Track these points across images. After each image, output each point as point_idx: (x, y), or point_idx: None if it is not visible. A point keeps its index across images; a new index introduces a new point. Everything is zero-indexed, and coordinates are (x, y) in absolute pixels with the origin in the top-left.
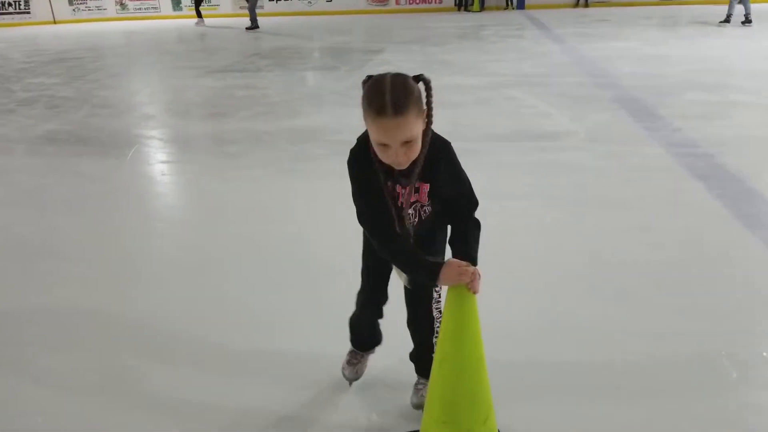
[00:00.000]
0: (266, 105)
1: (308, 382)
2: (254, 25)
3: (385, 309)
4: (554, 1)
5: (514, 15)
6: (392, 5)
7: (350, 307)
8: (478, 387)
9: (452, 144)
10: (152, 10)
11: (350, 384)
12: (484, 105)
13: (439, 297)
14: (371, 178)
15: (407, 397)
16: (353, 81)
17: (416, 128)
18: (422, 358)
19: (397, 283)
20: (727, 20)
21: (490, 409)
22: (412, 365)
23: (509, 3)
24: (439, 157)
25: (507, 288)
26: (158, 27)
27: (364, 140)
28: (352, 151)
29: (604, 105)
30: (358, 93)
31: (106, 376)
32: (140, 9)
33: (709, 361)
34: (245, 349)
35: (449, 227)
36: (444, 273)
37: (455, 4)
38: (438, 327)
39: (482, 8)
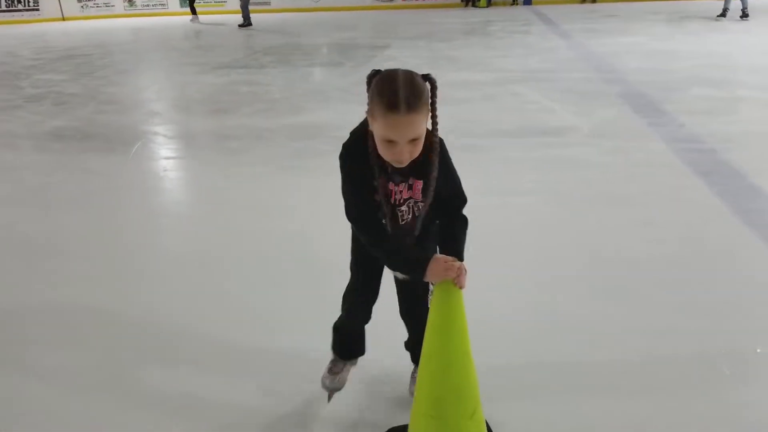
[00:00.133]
0: (269, 101)
1: (308, 379)
2: (247, 23)
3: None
4: None
5: (521, 11)
6: (398, 1)
7: None
8: (464, 382)
9: (457, 140)
10: (160, 7)
11: (329, 397)
12: (489, 101)
13: (431, 289)
14: (365, 173)
15: (398, 391)
16: (358, 77)
17: (424, 126)
18: (419, 348)
19: (385, 281)
20: (723, 14)
21: (477, 404)
22: (403, 358)
23: None
24: (432, 154)
25: (508, 284)
26: (166, 23)
27: (359, 135)
28: (345, 145)
29: (609, 101)
30: (363, 89)
31: (108, 374)
32: (148, 5)
33: (709, 358)
34: (246, 346)
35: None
36: (431, 268)
37: (462, 0)
38: None
39: (489, 4)
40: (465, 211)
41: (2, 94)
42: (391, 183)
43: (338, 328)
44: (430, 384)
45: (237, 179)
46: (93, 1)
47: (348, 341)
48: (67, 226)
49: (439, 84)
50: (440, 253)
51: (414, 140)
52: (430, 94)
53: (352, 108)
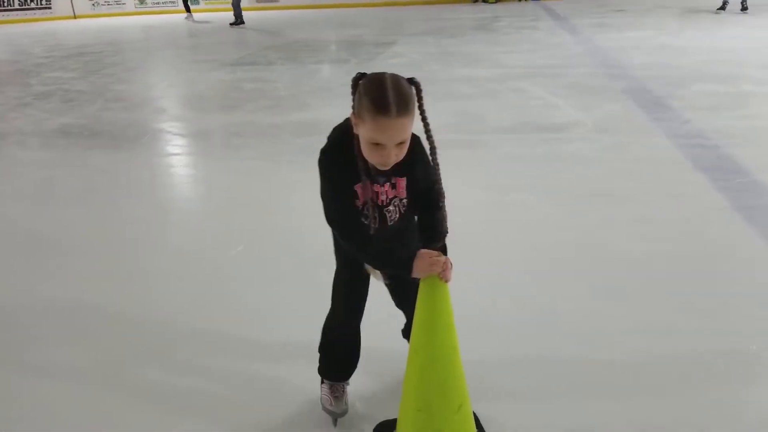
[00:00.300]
0: (274, 98)
1: (305, 377)
2: (238, 21)
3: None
4: None
5: (530, 6)
6: None
7: None
8: (451, 376)
9: (459, 136)
10: (170, 4)
11: (335, 422)
12: (493, 97)
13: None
14: (347, 178)
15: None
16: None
17: (410, 130)
18: None
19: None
20: (722, 8)
21: (464, 398)
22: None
23: None
24: (413, 151)
25: (505, 281)
26: (176, 21)
27: (340, 138)
28: (325, 150)
29: (614, 96)
30: None
31: (110, 371)
32: (158, 3)
33: (708, 358)
34: (247, 345)
35: (417, 217)
36: (416, 265)
37: None
38: None
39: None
40: (465, 207)
41: (13, 92)
42: (376, 185)
43: (331, 350)
44: (417, 378)
45: (241, 175)
46: None
47: (345, 359)
48: (70, 223)
49: (443, 80)
50: (423, 248)
51: (401, 143)
52: (416, 98)
53: None
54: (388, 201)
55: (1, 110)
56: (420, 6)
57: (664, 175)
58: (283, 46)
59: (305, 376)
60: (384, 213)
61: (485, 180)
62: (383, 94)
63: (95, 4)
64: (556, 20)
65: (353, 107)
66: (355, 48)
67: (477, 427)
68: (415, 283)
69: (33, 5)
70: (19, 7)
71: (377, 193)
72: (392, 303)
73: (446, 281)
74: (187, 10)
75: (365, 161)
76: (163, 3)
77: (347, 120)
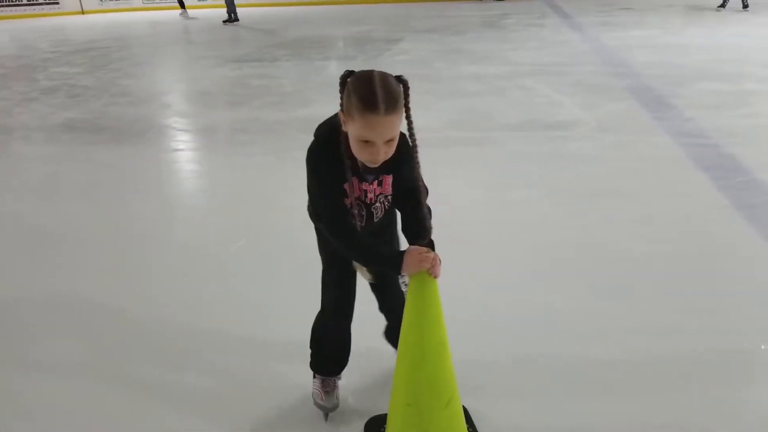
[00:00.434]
0: (280, 94)
1: (301, 374)
2: (232, 18)
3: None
4: None
5: (538, 4)
6: None
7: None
8: (440, 371)
9: (463, 133)
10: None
11: (327, 416)
12: (498, 94)
13: (404, 277)
14: (337, 175)
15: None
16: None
17: (399, 127)
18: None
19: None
20: (722, 5)
21: (453, 393)
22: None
23: None
24: (400, 150)
25: (506, 280)
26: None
27: (328, 135)
28: (313, 149)
29: (618, 95)
30: None
31: (111, 366)
32: None
33: (709, 356)
34: (247, 340)
35: (400, 214)
36: (406, 261)
37: None
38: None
39: None
40: (467, 205)
41: (19, 87)
42: (364, 183)
43: (322, 346)
44: (406, 373)
45: (246, 171)
46: None
47: (336, 356)
48: (74, 217)
49: (450, 77)
50: (411, 244)
51: (390, 140)
52: (403, 96)
53: None
54: (374, 199)
55: (7, 105)
56: (428, 2)
57: (665, 174)
58: (290, 42)
59: (303, 372)
60: (371, 211)
61: (488, 178)
62: (372, 92)
63: (103, 0)
64: (562, 18)
65: (341, 105)
66: (362, 45)
67: (468, 423)
68: (396, 286)
69: (41, 0)
70: (27, 2)
71: (365, 191)
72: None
73: (435, 277)
74: (182, 6)
75: (353, 159)
76: None
77: (334, 116)
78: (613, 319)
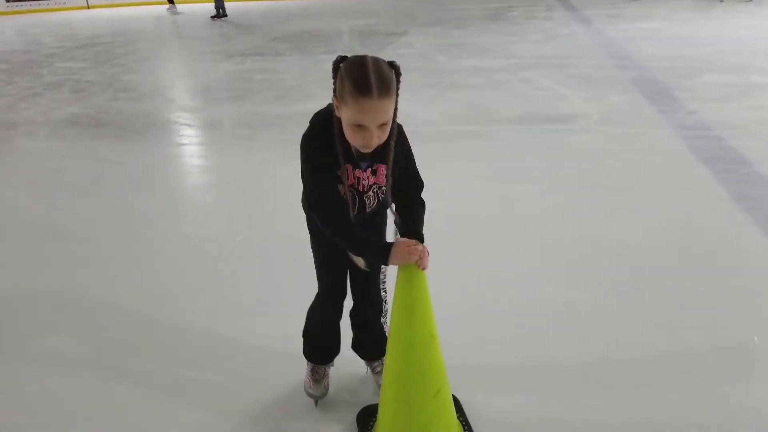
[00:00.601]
0: (282, 89)
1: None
2: (220, 14)
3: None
4: None
5: None
6: None
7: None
8: (427, 362)
9: (464, 127)
10: None
11: (316, 403)
12: (500, 87)
13: (384, 278)
14: (331, 161)
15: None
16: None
17: (392, 112)
18: (377, 340)
19: None
20: None
21: (442, 384)
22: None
23: None
24: (393, 138)
25: (504, 273)
26: (190, 10)
27: (322, 122)
28: (308, 135)
29: (621, 87)
30: None
31: (110, 360)
32: None
33: (709, 352)
34: (246, 334)
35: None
36: (394, 253)
37: None
38: (386, 307)
39: None
40: (468, 199)
41: (24, 83)
42: (358, 170)
43: (312, 334)
44: (395, 364)
45: (248, 165)
46: None
47: (325, 342)
48: (77, 212)
49: (451, 70)
50: (401, 236)
51: (383, 125)
52: (396, 82)
53: None
54: (368, 187)
55: (12, 100)
56: None
57: (666, 167)
58: (292, 36)
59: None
60: (363, 199)
61: (489, 171)
62: (365, 76)
63: None
64: (569, 11)
65: (335, 90)
66: (366, 38)
67: (459, 414)
68: (377, 287)
69: None
70: None
71: (358, 178)
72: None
73: (423, 269)
74: (170, 1)
75: (347, 146)
76: None
77: (329, 105)
78: (613, 313)
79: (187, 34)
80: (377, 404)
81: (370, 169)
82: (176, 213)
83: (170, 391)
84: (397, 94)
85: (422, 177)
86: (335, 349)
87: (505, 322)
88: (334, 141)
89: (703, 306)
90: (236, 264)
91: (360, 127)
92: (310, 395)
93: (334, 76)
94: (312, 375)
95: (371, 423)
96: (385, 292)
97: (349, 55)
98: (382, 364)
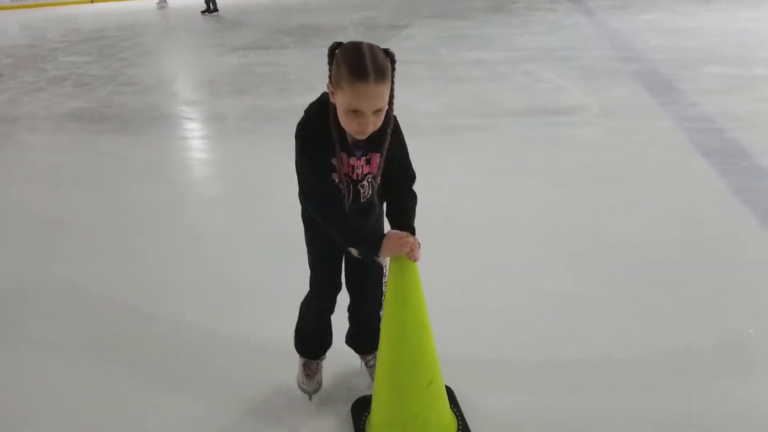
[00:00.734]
0: (284, 82)
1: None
2: (210, 9)
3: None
4: None
5: None
6: None
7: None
8: (419, 353)
9: (465, 119)
10: None
11: (310, 397)
12: (502, 80)
13: (385, 272)
14: (325, 150)
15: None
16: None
17: (387, 98)
18: (372, 333)
19: None
20: None
21: (435, 374)
22: None
23: None
24: (387, 128)
25: (503, 266)
26: (196, 4)
27: (318, 111)
28: (303, 123)
29: (623, 79)
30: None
31: (108, 351)
32: None
33: (708, 347)
34: (244, 329)
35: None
36: (385, 245)
37: None
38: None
39: None
40: (466, 191)
41: (28, 77)
42: (353, 158)
43: (304, 330)
44: (388, 355)
45: (250, 159)
46: None
47: (317, 337)
48: (78, 206)
49: (453, 62)
50: (393, 228)
51: (378, 111)
52: (391, 68)
53: None
54: (362, 176)
55: (15, 95)
56: None
57: (666, 160)
58: (296, 29)
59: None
60: (358, 189)
61: (489, 164)
62: (361, 61)
63: None
64: (572, 2)
65: (330, 77)
66: (369, 31)
67: (452, 404)
68: (377, 279)
69: None
70: None
71: (353, 166)
72: None
73: (415, 261)
74: None
75: (342, 133)
76: None
77: (323, 95)
78: (611, 306)
79: (191, 28)
80: (371, 395)
81: (364, 158)
82: (178, 206)
83: (170, 384)
84: (393, 81)
85: (423, 170)
86: (327, 343)
87: (504, 316)
88: (330, 128)
89: (702, 300)
90: (236, 258)
91: (355, 112)
92: (303, 390)
93: (330, 63)
94: (304, 370)
95: (365, 414)
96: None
97: None
98: (375, 358)
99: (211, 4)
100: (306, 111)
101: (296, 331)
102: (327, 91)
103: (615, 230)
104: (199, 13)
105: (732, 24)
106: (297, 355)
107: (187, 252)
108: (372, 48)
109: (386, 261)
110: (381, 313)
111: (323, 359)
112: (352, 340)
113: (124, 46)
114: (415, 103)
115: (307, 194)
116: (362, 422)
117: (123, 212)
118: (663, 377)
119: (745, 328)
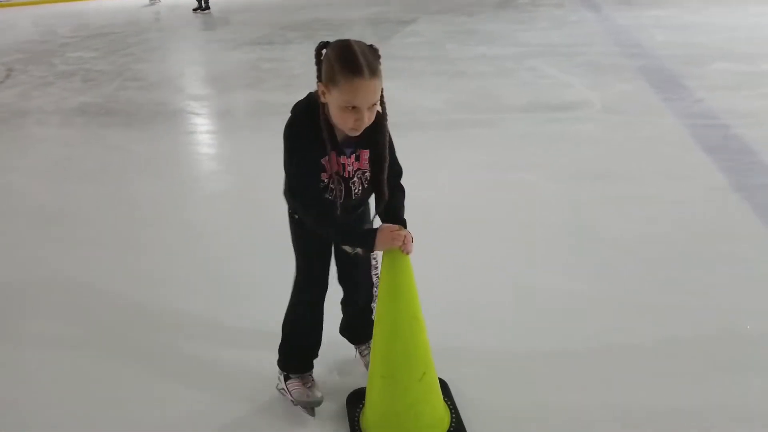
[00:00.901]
0: (289, 77)
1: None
2: (202, 6)
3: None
4: None
5: None
6: None
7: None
8: (412, 345)
9: (468, 115)
10: None
11: (313, 412)
12: (506, 75)
13: (377, 264)
14: (316, 148)
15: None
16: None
17: (380, 92)
18: (365, 323)
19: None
20: None
21: (427, 367)
22: None
23: None
24: (376, 123)
25: (504, 260)
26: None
27: (306, 110)
28: (292, 123)
29: (628, 75)
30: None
31: (108, 345)
32: None
33: (707, 342)
34: (244, 327)
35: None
36: (378, 239)
37: None
38: (377, 292)
39: None
40: (467, 187)
41: (37, 72)
42: (342, 156)
43: (295, 341)
44: (381, 347)
45: (254, 154)
46: None
47: (312, 342)
48: (84, 199)
49: (458, 58)
50: (383, 222)
51: (372, 105)
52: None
53: None
54: (352, 173)
55: (25, 89)
56: None
57: (668, 156)
58: (302, 24)
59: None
60: (349, 185)
61: (491, 159)
62: (354, 57)
63: None
64: None
65: (319, 76)
66: (375, 26)
67: (446, 396)
68: (368, 272)
69: None
70: None
71: (343, 165)
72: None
73: (407, 253)
74: None
75: (331, 132)
76: None
77: (309, 95)
78: (610, 303)
79: (198, 24)
80: (365, 387)
81: (354, 155)
82: (182, 200)
83: (170, 381)
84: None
85: (424, 165)
86: (317, 347)
87: (502, 310)
88: (320, 128)
89: (702, 296)
90: (239, 252)
91: (352, 108)
92: (308, 404)
93: (318, 62)
94: (303, 384)
95: (360, 406)
96: (378, 277)
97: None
98: (369, 347)
99: (203, 2)
100: (293, 111)
101: (284, 345)
102: (313, 90)
103: (616, 226)
104: (191, 11)
105: (741, 20)
106: (284, 380)
107: (190, 246)
108: (361, 45)
109: (378, 254)
110: (373, 305)
111: (311, 373)
112: (346, 330)
113: (131, 41)
114: (420, 98)
115: (295, 193)
116: (357, 414)
117: (127, 206)
118: (660, 373)
119: (745, 322)
